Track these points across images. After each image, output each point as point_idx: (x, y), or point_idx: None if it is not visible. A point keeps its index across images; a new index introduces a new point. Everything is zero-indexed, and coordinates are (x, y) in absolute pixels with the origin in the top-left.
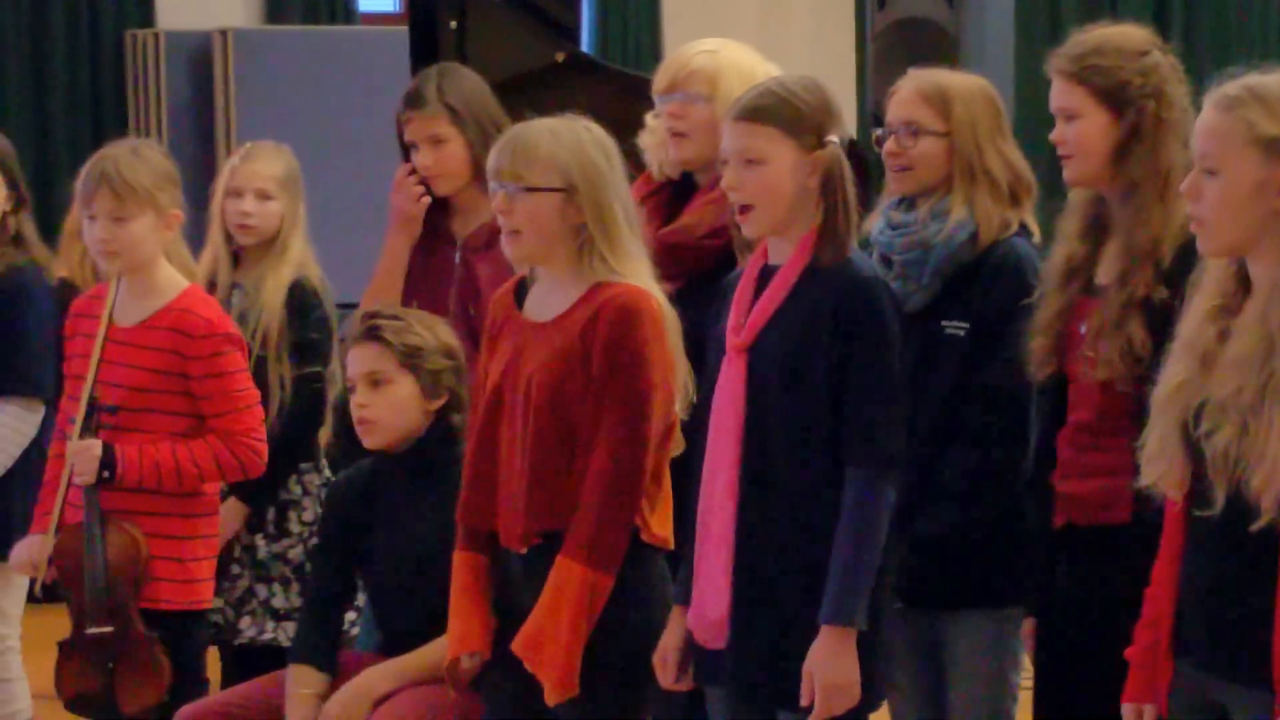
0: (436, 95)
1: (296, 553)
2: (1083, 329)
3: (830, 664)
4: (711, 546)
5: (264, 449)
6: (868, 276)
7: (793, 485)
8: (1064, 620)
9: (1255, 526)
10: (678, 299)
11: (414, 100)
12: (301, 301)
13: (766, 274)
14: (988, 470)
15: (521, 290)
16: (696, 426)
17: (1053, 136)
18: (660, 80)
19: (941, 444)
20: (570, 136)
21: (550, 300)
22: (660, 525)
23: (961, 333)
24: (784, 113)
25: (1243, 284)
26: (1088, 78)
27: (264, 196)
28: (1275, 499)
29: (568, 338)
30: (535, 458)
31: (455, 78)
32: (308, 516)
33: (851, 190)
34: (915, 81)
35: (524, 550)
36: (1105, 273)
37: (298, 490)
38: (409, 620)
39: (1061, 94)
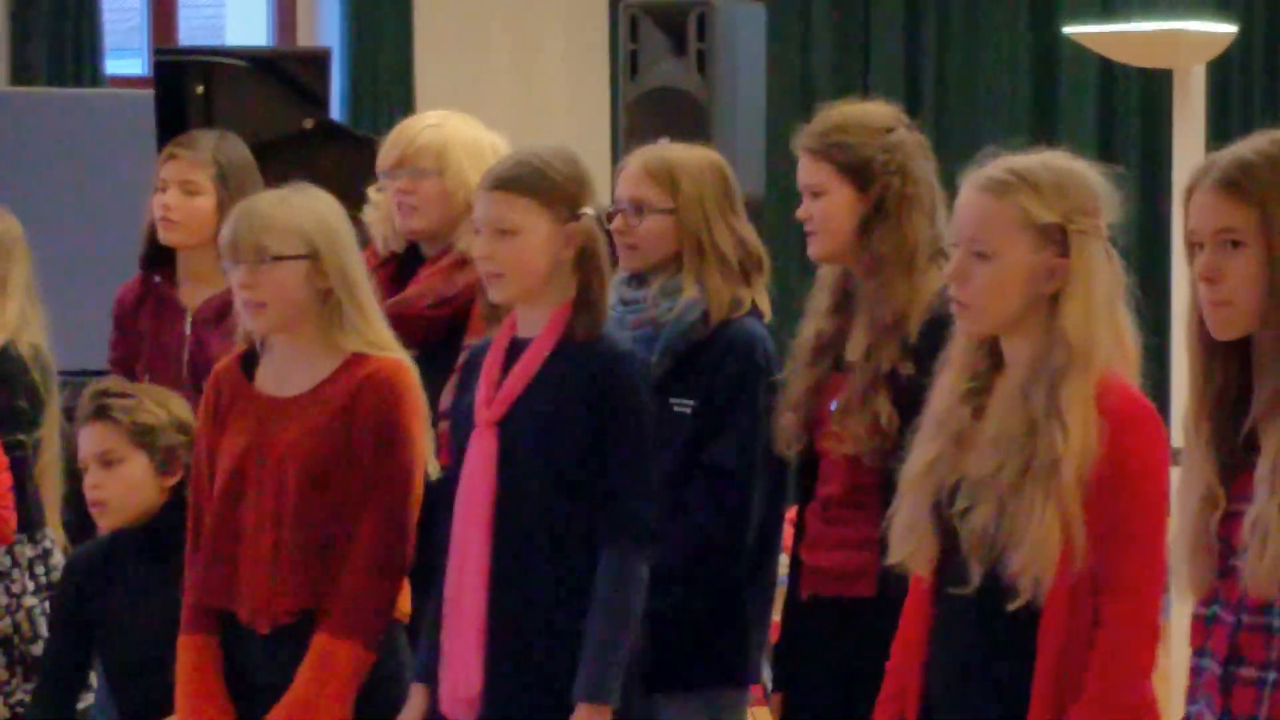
0: (211, 148)
1: (4, 625)
2: (833, 405)
3: None
4: (462, 623)
5: (12, 516)
6: (622, 351)
7: (545, 560)
8: (813, 694)
9: (1012, 606)
10: None
11: (186, 142)
12: (5, 370)
13: (516, 346)
14: (707, 550)
15: (246, 363)
16: (438, 502)
17: (799, 213)
18: (387, 157)
19: (668, 524)
20: (305, 203)
21: (294, 373)
22: (402, 599)
23: (688, 410)
24: (539, 183)
25: (993, 361)
26: (832, 154)
27: None
28: (1033, 580)
29: (326, 413)
30: (293, 535)
31: (234, 143)
32: (16, 588)
33: (607, 263)
34: (641, 158)
35: (266, 630)
36: (853, 349)
37: (6, 561)
38: (146, 697)
39: (807, 171)
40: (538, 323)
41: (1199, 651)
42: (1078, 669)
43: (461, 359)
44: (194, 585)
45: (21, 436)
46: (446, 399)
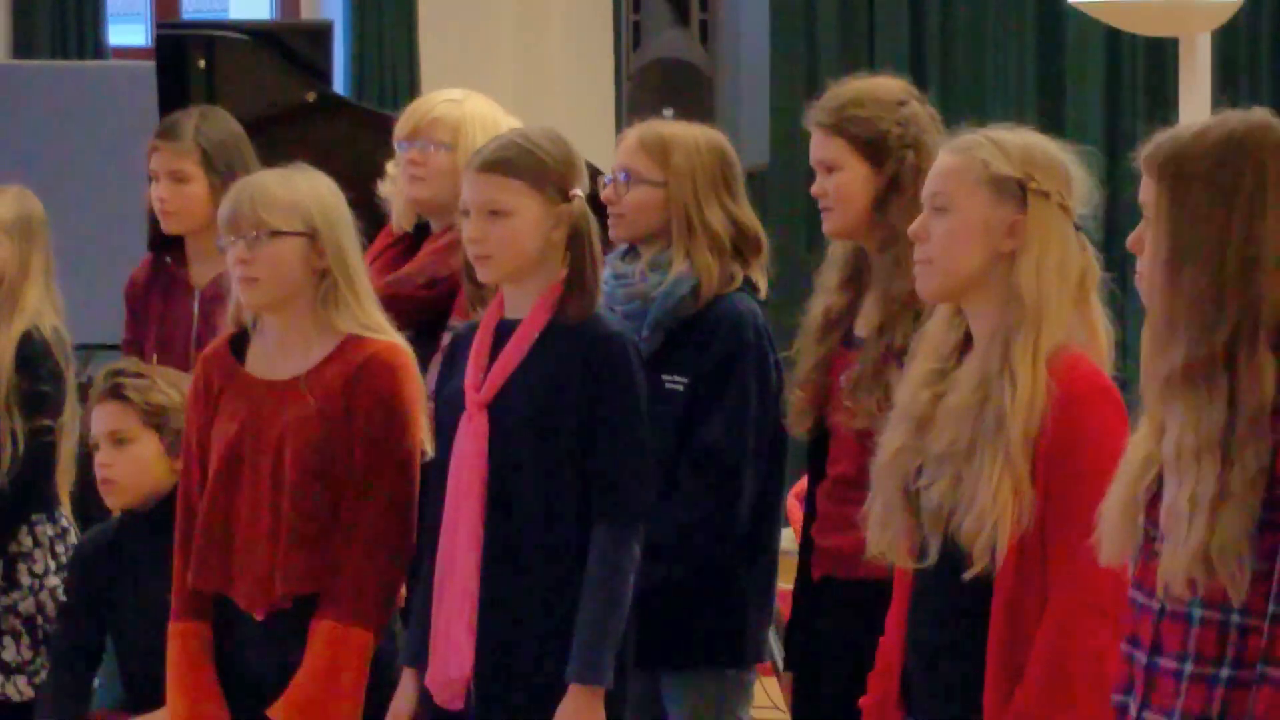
0: (192, 133)
1: (28, 605)
2: (842, 381)
3: None
4: (453, 605)
5: None
6: (615, 331)
7: (538, 542)
8: (823, 675)
9: (967, 575)
10: None
11: (167, 132)
12: (30, 354)
13: (504, 329)
14: (697, 528)
15: (236, 346)
16: (428, 486)
17: (814, 190)
18: (403, 126)
19: (660, 502)
20: (305, 182)
21: (287, 355)
22: None
23: (680, 387)
24: (528, 165)
25: (959, 347)
26: (846, 129)
27: None
28: (985, 546)
29: (326, 395)
30: (292, 520)
31: (215, 121)
32: (38, 568)
33: (598, 244)
34: (639, 131)
35: (263, 616)
36: (864, 324)
37: (29, 542)
38: (156, 676)
39: (821, 146)
40: (526, 304)
41: (1130, 638)
42: (1026, 645)
43: (444, 340)
44: (186, 571)
45: (47, 421)
46: (430, 382)
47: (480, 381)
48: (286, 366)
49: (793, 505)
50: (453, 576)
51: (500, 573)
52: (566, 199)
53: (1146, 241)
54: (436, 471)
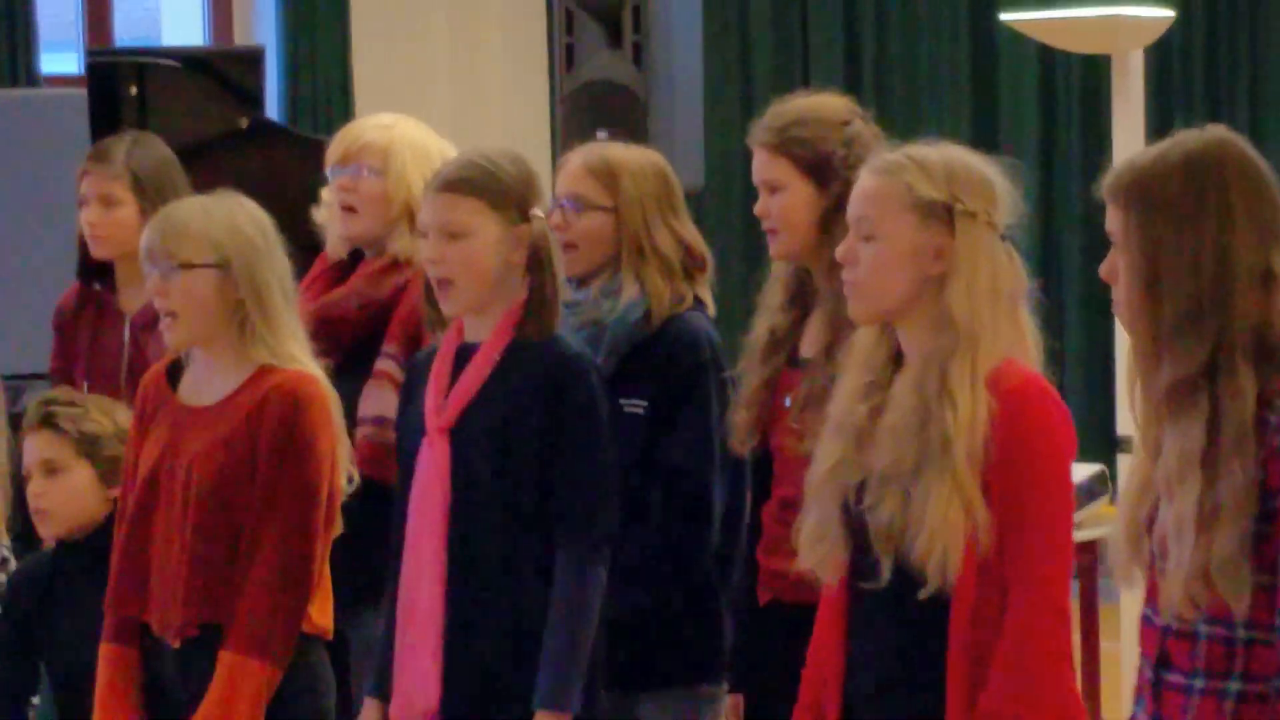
0: (123, 157)
1: None
2: (787, 401)
3: None
4: (417, 634)
5: None
6: (575, 353)
7: (502, 567)
8: (770, 696)
9: (923, 595)
10: (335, 374)
11: (98, 156)
12: None
13: (464, 352)
14: (671, 549)
15: (173, 372)
16: (387, 511)
17: (757, 210)
18: (333, 152)
19: (625, 523)
20: (223, 212)
21: (209, 383)
22: (320, 614)
23: (640, 410)
24: (488, 185)
25: (891, 360)
26: (790, 150)
27: None
28: (938, 566)
29: (231, 424)
30: (196, 546)
31: (147, 146)
32: None
33: (559, 265)
34: (583, 155)
35: (177, 643)
36: (809, 345)
37: None
38: (87, 706)
39: (764, 166)
40: (486, 327)
41: (1142, 653)
42: (989, 656)
43: (380, 364)
44: (110, 593)
45: None
46: (366, 406)
47: (441, 406)
48: (209, 393)
49: None
50: (417, 605)
51: (465, 600)
52: (526, 219)
53: (1120, 269)
54: (399, 498)
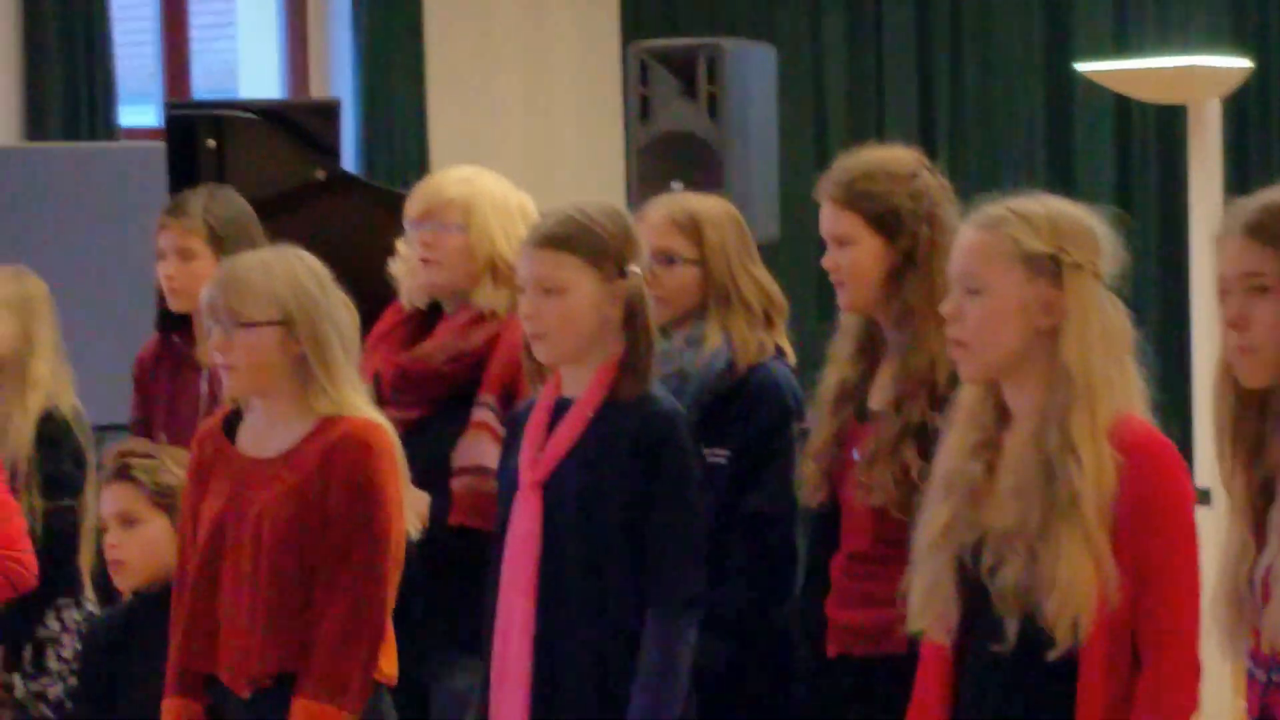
0: (200, 210)
1: (56, 691)
2: (855, 454)
3: None
4: (509, 687)
5: (31, 561)
6: (668, 410)
7: (591, 624)
8: None
9: (1052, 656)
10: (418, 426)
11: (175, 209)
12: (51, 433)
13: (561, 406)
14: (759, 600)
15: (230, 425)
16: (486, 562)
17: (825, 263)
18: (413, 207)
19: (712, 575)
20: (283, 268)
21: (272, 435)
22: (387, 662)
23: (724, 460)
24: (586, 241)
25: (999, 415)
26: (859, 204)
27: None
28: (1070, 625)
29: (301, 473)
30: (269, 597)
31: (223, 199)
32: (66, 653)
33: (653, 321)
34: (665, 208)
35: (248, 694)
36: (878, 398)
37: (56, 626)
38: None
39: (832, 220)
40: (582, 382)
41: (1247, 708)
42: (1116, 714)
43: (478, 415)
44: (176, 648)
45: (69, 502)
46: (462, 457)
47: (535, 460)
48: (271, 445)
49: None
50: (508, 658)
51: (554, 654)
52: (623, 275)
53: (1258, 314)
54: (494, 550)
